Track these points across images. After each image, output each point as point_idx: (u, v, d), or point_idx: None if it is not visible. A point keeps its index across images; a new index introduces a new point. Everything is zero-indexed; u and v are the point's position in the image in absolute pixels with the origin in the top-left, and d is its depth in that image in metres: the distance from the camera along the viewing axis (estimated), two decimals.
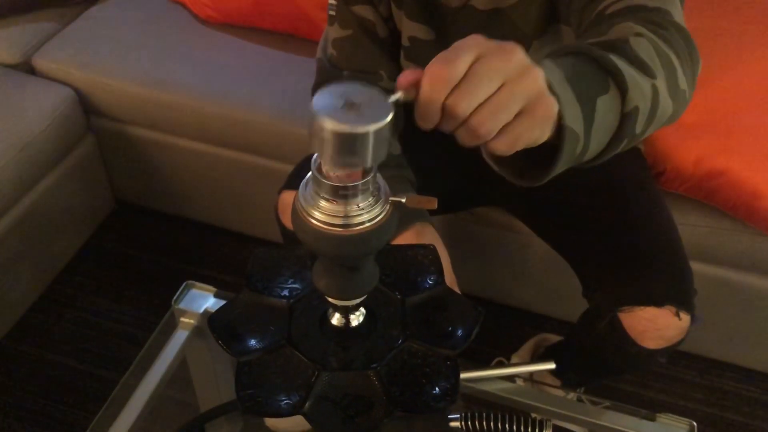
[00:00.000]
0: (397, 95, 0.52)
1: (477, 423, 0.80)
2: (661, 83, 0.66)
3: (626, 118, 0.63)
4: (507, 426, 0.79)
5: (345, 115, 0.49)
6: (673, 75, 0.68)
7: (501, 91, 0.50)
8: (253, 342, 0.67)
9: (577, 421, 0.95)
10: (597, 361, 1.18)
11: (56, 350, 1.54)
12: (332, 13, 1.01)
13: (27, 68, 1.61)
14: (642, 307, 0.98)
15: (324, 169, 0.53)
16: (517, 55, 0.52)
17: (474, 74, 0.50)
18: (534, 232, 1.23)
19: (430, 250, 0.75)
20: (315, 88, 1.08)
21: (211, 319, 0.69)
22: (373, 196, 0.56)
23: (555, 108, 0.54)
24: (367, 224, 0.56)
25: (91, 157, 1.66)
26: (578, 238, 1.11)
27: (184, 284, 1.02)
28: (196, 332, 1.00)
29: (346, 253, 0.58)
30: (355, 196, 0.55)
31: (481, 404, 0.92)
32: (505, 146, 0.53)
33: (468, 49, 0.50)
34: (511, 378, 0.94)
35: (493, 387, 0.93)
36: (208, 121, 1.51)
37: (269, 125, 1.46)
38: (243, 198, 1.66)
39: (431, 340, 0.67)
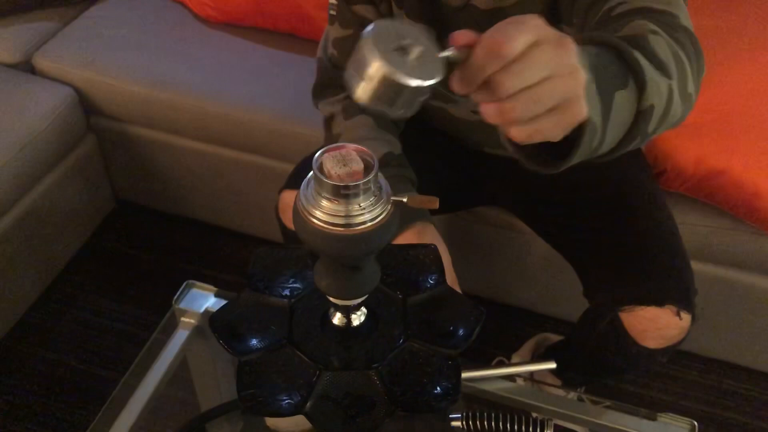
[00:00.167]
0: (449, 52, 0.51)
1: (478, 423, 0.80)
2: (674, 84, 0.66)
3: (641, 115, 0.62)
4: (508, 426, 0.79)
5: (396, 59, 0.48)
6: (684, 77, 0.68)
7: (545, 84, 0.50)
8: (254, 341, 0.67)
9: (577, 421, 0.95)
10: (598, 360, 1.18)
11: (57, 349, 1.54)
12: (333, 12, 1.01)
13: (27, 67, 1.60)
14: (643, 307, 0.98)
15: (353, 95, 0.51)
16: (571, 52, 0.52)
17: (529, 59, 0.49)
18: (535, 232, 1.22)
19: (431, 249, 0.75)
20: (315, 88, 1.08)
21: (212, 318, 0.69)
22: (375, 196, 0.56)
23: (584, 115, 0.54)
24: (369, 224, 0.56)
25: (91, 156, 1.66)
26: (579, 238, 1.11)
27: (184, 284, 1.02)
28: (197, 332, 1.00)
29: (348, 253, 0.58)
30: (356, 195, 0.55)
31: (481, 403, 0.92)
32: (523, 135, 0.53)
33: (529, 30, 0.50)
34: (511, 377, 0.94)
35: (494, 386, 0.93)
36: (208, 120, 1.51)
37: (269, 125, 1.46)
38: (243, 197, 1.66)
39: (432, 340, 0.67)
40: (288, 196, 1.04)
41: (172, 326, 1.00)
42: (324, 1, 1.29)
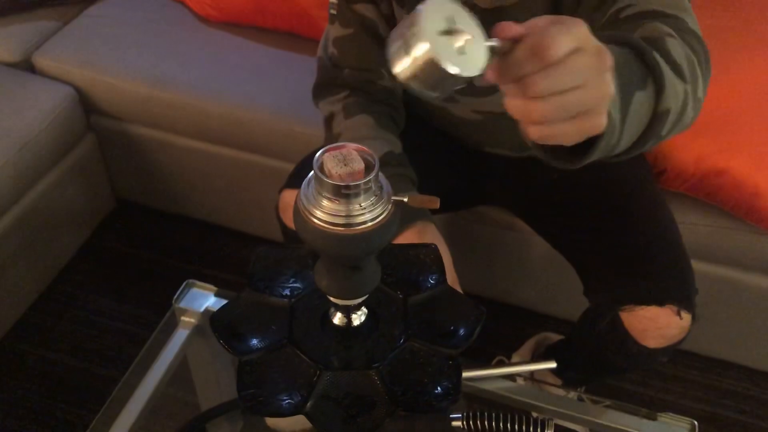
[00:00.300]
0: (495, 43, 0.51)
1: (479, 422, 0.80)
2: (689, 88, 0.66)
3: (657, 117, 0.63)
4: (509, 425, 0.79)
5: (445, 43, 0.48)
6: (696, 82, 0.68)
7: (575, 92, 0.51)
8: (254, 341, 0.67)
9: (577, 420, 0.95)
10: (598, 360, 1.18)
11: (57, 349, 1.54)
12: (333, 11, 1.01)
13: (27, 67, 1.60)
14: (643, 306, 0.98)
15: (392, 69, 0.50)
16: (608, 66, 0.53)
17: (567, 66, 0.50)
18: (535, 231, 1.22)
19: (431, 249, 0.75)
20: (316, 88, 1.08)
21: (212, 318, 0.68)
22: (376, 196, 0.56)
23: (602, 128, 0.55)
24: (370, 224, 0.56)
25: (91, 155, 1.66)
26: (579, 237, 1.11)
27: (184, 283, 1.02)
28: (197, 331, 1.00)
29: (348, 253, 0.58)
30: (357, 195, 0.55)
31: (481, 403, 0.92)
32: (540, 135, 0.54)
33: (574, 37, 0.50)
34: (511, 377, 0.94)
35: (494, 386, 0.93)
36: (208, 119, 1.51)
37: (270, 124, 1.46)
38: (243, 197, 1.66)
39: (433, 340, 0.67)
40: (288, 196, 1.04)
41: (172, 326, 1.00)
42: (324, 0, 1.29)
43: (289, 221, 1.03)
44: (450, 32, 0.48)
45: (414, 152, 1.01)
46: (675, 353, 1.06)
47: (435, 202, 0.60)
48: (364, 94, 1.02)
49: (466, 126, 1.07)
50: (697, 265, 1.04)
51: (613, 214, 1.07)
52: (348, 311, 0.67)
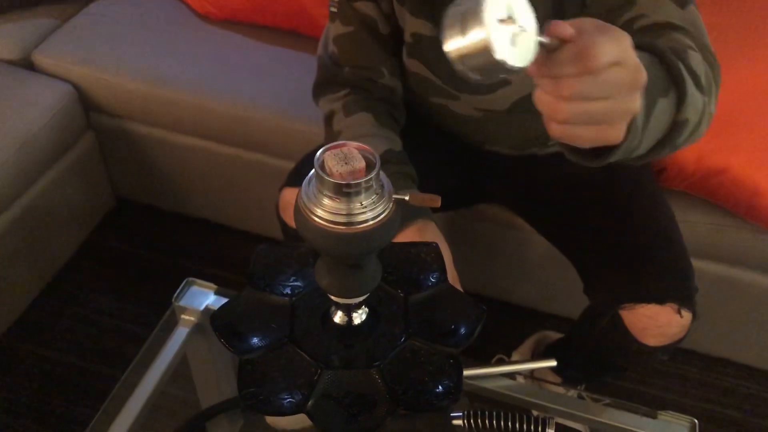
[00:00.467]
0: (545, 39, 0.51)
1: (480, 421, 0.80)
2: (707, 101, 0.69)
3: (676, 126, 0.65)
4: (510, 424, 0.79)
5: (501, 31, 0.48)
6: (711, 96, 0.70)
7: (603, 103, 0.53)
8: (255, 340, 0.67)
9: (577, 419, 0.95)
10: (598, 358, 1.18)
11: (57, 347, 1.54)
12: (333, 9, 1.01)
13: (26, 64, 1.60)
14: (643, 305, 0.98)
15: (443, 44, 0.51)
16: (640, 85, 0.55)
17: (604, 78, 0.52)
18: (535, 230, 1.22)
19: (432, 247, 0.75)
20: (316, 86, 1.08)
21: (213, 317, 0.68)
22: (377, 194, 0.56)
23: (618, 140, 0.57)
24: (371, 222, 0.56)
25: (90, 153, 1.66)
26: (579, 236, 1.11)
27: (184, 281, 1.02)
28: (197, 329, 1.00)
29: (349, 252, 0.58)
30: (358, 193, 0.55)
31: (481, 401, 0.92)
32: (558, 134, 0.56)
33: (619, 50, 0.52)
34: (511, 375, 0.94)
35: (494, 384, 0.93)
36: (208, 117, 1.50)
37: (270, 122, 1.46)
38: (243, 195, 1.66)
39: (434, 338, 0.67)
40: (288, 194, 1.04)
41: (172, 324, 1.00)
42: None
43: (289, 219, 1.03)
44: (507, 21, 0.48)
45: (414, 150, 1.01)
46: (675, 351, 1.06)
47: (436, 201, 0.60)
48: (365, 92, 1.02)
49: (467, 123, 1.07)
50: (697, 264, 1.04)
51: (613, 212, 1.07)
52: (349, 310, 0.67)
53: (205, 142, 1.57)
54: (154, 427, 0.96)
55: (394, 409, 0.62)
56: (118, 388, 0.92)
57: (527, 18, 0.50)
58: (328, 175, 0.55)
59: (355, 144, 0.57)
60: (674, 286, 0.99)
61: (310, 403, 0.62)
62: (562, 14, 0.88)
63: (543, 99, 0.55)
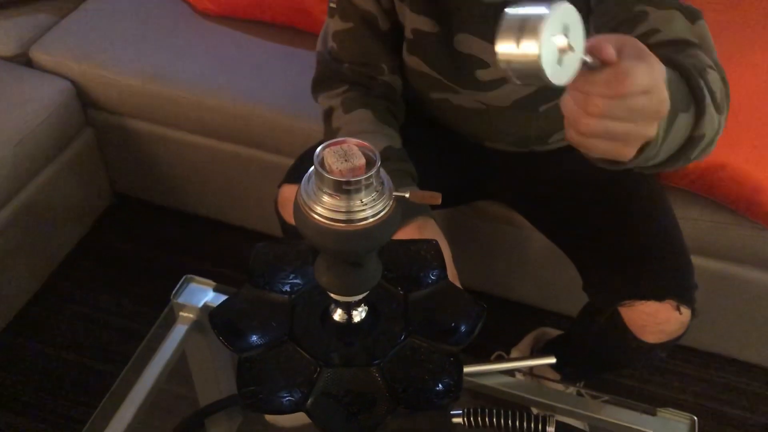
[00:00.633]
0: (589, 59, 0.53)
1: (480, 419, 0.80)
2: (722, 119, 0.72)
3: (691, 141, 0.69)
4: (510, 422, 0.79)
5: (552, 48, 0.50)
6: (723, 114, 0.73)
7: (624, 125, 0.56)
8: (254, 338, 0.66)
9: (576, 416, 0.94)
10: (597, 355, 1.18)
11: (55, 344, 1.54)
12: (333, 5, 1.00)
13: (24, 61, 1.59)
14: (642, 302, 0.98)
15: (495, 44, 0.52)
16: (662, 116, 0.59)
17: (631, 104, 0.55)
18: (534, 227, 1.22)
19: (432, 245, 0.75)
20: (315, 82, 1.07)
21: (212, 314, 0.68)
22: (377, 191, 0.56)
23: (628, 159, 0.61)
24: (371, 219, 0.56)
25: (89, 150, 1.65)
26: (579, 232, 1.10)
27: (183, 278, 1.02)
28: (196, 326, 1.00)
29: (349, 249, 0.57)
30: (358, 191, 0.55)
31: (480, 398, 0.92)
32: (574, 142, 0.59)
33: (651, 80, 0.55)
34: (510, 372, 0.94)
35: (493, 381, 0.93)
36: (207, 114, 1.50)
37: (269, 118, 1.45)
38: (242, 192, 1.66)
39: (434, 336, 0.67)
40: (287, 191, 1.04)
41: (171, 321, 1.00)
42: None
43: (288, 216, 1.03)
44: (561, 40, 0.51)
45: (413, 148, 1.01)
46: (674, 348, 1.06)
47: (437, 198, 0.60)
48: (364, 89, 1.02)
49: (468, 117, 1.06)
50: (697, 261, 1.04)
51: (613, 209, 1.07)
52: (348, 308, 0.67)
53: (204, 139, 1.57)
54: (153, 425, 0.96)
55: (394, 408, 0.62)
56: (116, 385, 0.92)
57: (577, 39, 0.52)
58: (327, 172, 0.54)
59: (355, 141, 0.56)
60: (674, 283, 0.99)
61: (309, 401, 0.62)
62: None
63: (569, 107, 0.57)
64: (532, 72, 0.50)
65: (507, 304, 1.61)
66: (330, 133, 1.02)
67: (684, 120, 0.66)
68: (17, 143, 1.42)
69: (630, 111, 0.55)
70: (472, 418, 0.80)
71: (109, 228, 1.77)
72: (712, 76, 0.72)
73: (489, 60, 0.95)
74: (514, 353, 1.50)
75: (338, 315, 0.67)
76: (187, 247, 1.74)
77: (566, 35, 0.51)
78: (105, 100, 1.58)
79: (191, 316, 1.00)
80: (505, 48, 0.51)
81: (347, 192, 0.54)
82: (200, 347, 1.03)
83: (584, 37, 0.53)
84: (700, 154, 0.73)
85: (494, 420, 0.79)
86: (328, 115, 1.03)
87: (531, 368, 1.21)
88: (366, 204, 0.55)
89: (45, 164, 1.52)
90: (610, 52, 0.54)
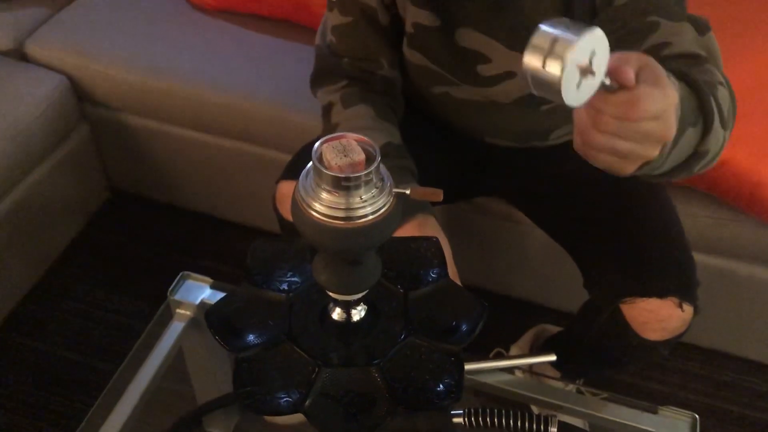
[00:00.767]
0: (608, 81, 0.56)
1: (481, 419, 0.79)
2: (726, 135, 0.74)
3: (696, 155, 0.71)
4: (512, 422, 0.78)
5: (573, 72, 0.52)
6: (728, 129, 0.75)
7: (630, 145, 0.59)
8: (251, 337, 0.66)
9: (577, 413, 0.94)
10: (598, 352, 1.17)
11: (51, 341, 1.53)
12: None
13: (19, 55, 1.58)
14: (644, 299, 0.97)
15: (525, 54, 0.53)
16: (667, 139, 0.61)
17: (640, 127, 0.58)
18: (534, 223, 1.22)
19: (432, 242, 0.74)
20: (314, 77, 1.06)
21: (208, 313, 0.67)
22: (377, 188, 0.55)
23: (628, 174, 0.64)
24: (370, 217, 0.55)
25: (85, 145, 1.65)
26: (579, 229, 1.10)
27: (179, 275, 1.01)
28: (193, 323, 0.99)
29: (348, 247, 0.56)
30: (357, 187, 0.54)
31: (479, 396, 0.92)
32: (580, 152, 0.62)
33: (662, 106, 0.58)
34: (510, 369, 0.93)
35: (492, 378, 0.92)
36: (204, 109, 1.49)
37: (266, 113, 1.45)
38: (239, 187, 1.65)
39: (434, 336, 0.66)
40: (285, 187, 1.03)
41: (168, 318, 0.99)
42: None
43: (286, 213, 1.02)
44: (585, 67, 0.52)
45: (413, 144, 1.00)
46: (675, 345, 1.05)
47: (438, 195, 0.59)
48: (363, 84, 1.01)
49: (469, 112, 1.05)
50: (698, 257, 1.04)
51: (614, 206, 1.06)
52: (347, 306, 0.66)
53: (201, 134, 1.56)
54: (150, 422, 0.95)
55: (393, 408, 0.61)
56: (113, 382, 0.92)
57: (600, 66, 0.54)
58: (326, 167, 0.53)
59: (354, 136, 0.55)
60: (676, 280, 0.99)
61: (308, 402, 0.61)
62: (570, 13, 0.87)
63: (581, 119, 0.59)
64: (550, 90, 0.53)
65: (507, 300, 1.60)
66: (329, 128, 1.01)
67: (691, 134, 0.68)
68: (12, 138, 1.41)
69: (638, 134, 0.58)
70: (473, 419, 0.79)
71: (106, 224, 1.76)
72: (722, 93, 0.74)
73: (490, 55, 0.94)
74: (513, 350, 1.50)
75: (337, 314, 0.66)
76: (183, 244, 1.73)
77: (591, 60, 0.52)
78: (101, 94, 1.57)
79: (188, 313, 1.00)
80: (531, 62, 0.53)
81: (346, 188, 0.53)
82: (197, 344, 1.02)
83: (607, 62, 0.54)
84: (703, 168, 0.76)
85: (496, 420, 0.79)
86: (327, 110, 1.02)
87: (531, 365, 1.21)
88: (366, 201, 0.54)
89: (40, 160, 1.51)
90: (630, 77, 0.56)
